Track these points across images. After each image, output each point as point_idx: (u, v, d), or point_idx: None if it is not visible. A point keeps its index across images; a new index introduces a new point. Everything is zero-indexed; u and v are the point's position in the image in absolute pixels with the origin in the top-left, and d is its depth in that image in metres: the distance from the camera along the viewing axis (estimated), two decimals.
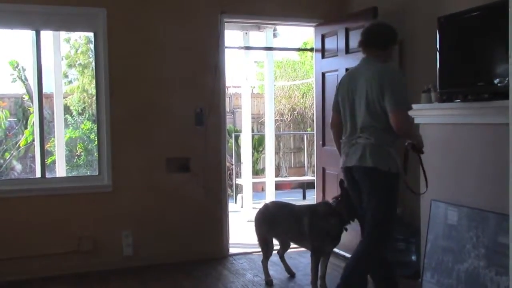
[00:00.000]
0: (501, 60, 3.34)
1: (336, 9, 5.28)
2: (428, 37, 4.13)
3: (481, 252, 3.51)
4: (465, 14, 3.65)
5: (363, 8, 4.67)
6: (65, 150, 6.86)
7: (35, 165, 6.08)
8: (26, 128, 8.08)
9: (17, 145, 8.01)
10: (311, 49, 5.61)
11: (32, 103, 6.24)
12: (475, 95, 3.59)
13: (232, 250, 5.11)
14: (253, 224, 4.35)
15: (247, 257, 5.04)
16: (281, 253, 4.47)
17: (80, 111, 8.59)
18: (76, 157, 8.29)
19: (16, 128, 8.32)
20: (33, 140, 6.35)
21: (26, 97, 8.35)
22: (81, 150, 8.28)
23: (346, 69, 4.74)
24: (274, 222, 4.18)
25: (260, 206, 4.53)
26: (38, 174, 4.65)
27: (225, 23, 4.99)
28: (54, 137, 6.39)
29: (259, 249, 5.03)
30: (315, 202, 4.36)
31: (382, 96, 3.20)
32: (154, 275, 4.50)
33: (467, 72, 3.72)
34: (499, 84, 3.38)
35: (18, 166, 7.98)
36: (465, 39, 3.75)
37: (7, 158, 7.92)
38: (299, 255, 4.88)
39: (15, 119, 8.38)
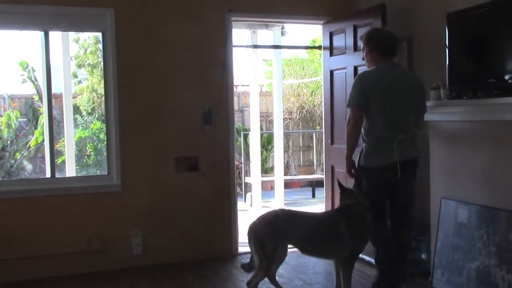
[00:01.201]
0: None
1: (344, 7, 5.25)
2: (437, 33, 4.09)
3: (492, 250, 3.48)
4: (475, 10, 3.61)
5: (372, 5, 4.64)
6: (75, 150, 6.90)
7: (45, 165, 6.12)
8: (36, 128, 8.13)
9: (28, 145, 8.06)
10: (319, 47, 5.59)
11: (42, 104, 6.28)
12: (485, 92, 3.55)
13: (241, 249, 5.10)
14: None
15: None
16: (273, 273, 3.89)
17: (89, 111, 8.63)
18: (86, 157, 8.33)
19: (27, 128, 8.37)
20: (43, 141, 6.39)
21: (36, 98, 8.40)
22: (91, 150, 8.31)
23: (355, 67, 4.74)
24: (292, 232, 3.63)
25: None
26: (48, 174, 4.68)
27: (233, 22, 4.98)
28: (64, 137, 6.42)
29: None
30: (340, 204, 3.78)
31: None
32: (164, 274, 4.51)
33: (477, 68, 3.69)
34: (510, 81, 3.35)
35: (28, 166, 8.03)
36: (475, 35, 3.71)
37: (18, 158, 7.97)
38: None
39: (26, 120, 8.43)
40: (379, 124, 3.61)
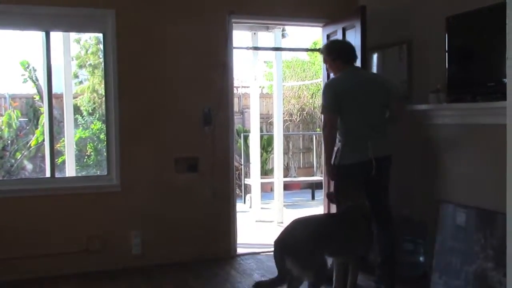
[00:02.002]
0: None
1: (343, 9, 5.25)
2: (436, 37, 4.11)
3: (490, 254, 3.49)
4: (474, 14, 3.63)
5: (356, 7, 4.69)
6: (75, 150, 6.91)
7: (45, 165, 6.14)
8: (37, 128, 8.14)
9: (28, 145, 8.08)
10: (319, 49, 5.60)
11: (43, 103, 6.30)
12: (484, 95, 3.57)
13: (240, 250, 5.12)
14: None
15: (254, 257, 5.05)
16: None
17: (90, 111, 8.64)
18: (86, 157, 8.35)
19: (27, 128, 8.38)
20: (44, 140, 6.41)
21: (37, 97, 8.42)
22: (91, 150, 8.33)
23: None
24: (326, 238, 3.51)
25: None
26: (48, 174, 4.69)
27: (233, 24, 5.00)
28: (64, 137, 6.44)
29: (267, 250, 5.07)
30: (347, 205, 3.72)
31: None
32: (163, 274, 4.52)
33: (476, 72, 3.71)
34: None
35: (29, 166, 8.05)
36: (474, 39, 3.73)
37: (18, 158, 7.99)
38: None
39: (26, 119, 8.45)
40: (353, 124, 3.85)
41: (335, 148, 3.88)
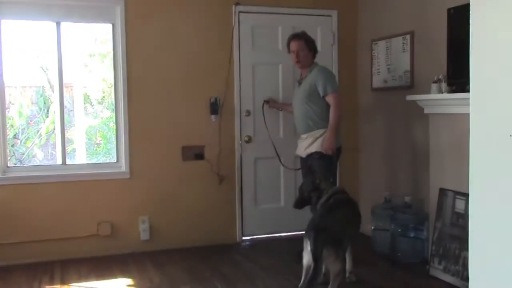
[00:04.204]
0: None
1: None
2: (438, 28, 4.18)
3: None
4: None
5: None
6: (85, 138, 7.04)
7: (56, 152, 6.26)
8: (47, 117, 8.27)
9: (39, 133, 8.21)
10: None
11: (53, 93, 6.42)
12: None
13: (245, 236, 5.23)
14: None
15: (259, 242, 5.17)
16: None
17: (99, 100, 8.75)
18: (95, 145, 8.48)
19: (38, 116, 8.52)
20: (54, 129, 6.53)
21: (47, 87, 8.54)
22: (101, 139, 8.45)
23: None
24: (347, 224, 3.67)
25: None
26: (59, 161, 4.83)
27: (239, 14, 5.08)
28: (74, 126, 6.56)
29: (271, 235, 5.19)
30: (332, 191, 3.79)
31: None
32: (170, 259, 4.65)
33: None
34: None
35: (40, 154, 8.19)
36: None
37: (29, 146, 8.13)
38: None
39: (37, 108, 8.58)
40: None
41: (326, 133, 4.24)
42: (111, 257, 4.68)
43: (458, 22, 3.84)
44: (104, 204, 4.78)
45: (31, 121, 8.50)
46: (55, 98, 5.01)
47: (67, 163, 4.83)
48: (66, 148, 4.94)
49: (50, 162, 7.01)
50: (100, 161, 5.10)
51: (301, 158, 4.51)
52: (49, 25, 4.77)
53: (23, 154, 8.22)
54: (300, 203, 3.88)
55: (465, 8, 3.77)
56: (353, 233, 3.78)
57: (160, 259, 4.65)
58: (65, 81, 4.82)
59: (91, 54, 8.39)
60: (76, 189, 4.71)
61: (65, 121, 4.86)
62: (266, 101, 5.03)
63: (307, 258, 3.32)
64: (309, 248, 3.25)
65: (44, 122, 8.20)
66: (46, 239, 4.60)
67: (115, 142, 4.99)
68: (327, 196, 3.70)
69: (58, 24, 4.68)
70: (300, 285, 3.39)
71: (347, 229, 3.59)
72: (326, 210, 3.58)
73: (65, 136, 4.87)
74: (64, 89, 4.84)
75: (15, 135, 8.13)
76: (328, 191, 3.73)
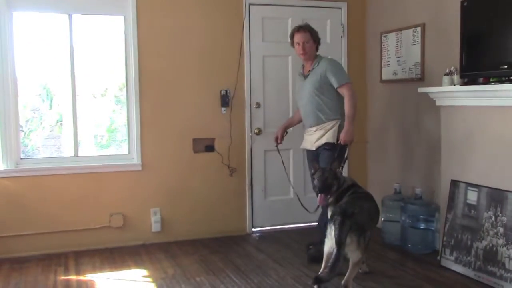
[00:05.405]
0: None
1: None
2: (450, 20, 4.20)
3: (500, 231, 3.63)
4: None
5: None
6: (93, 130, 7.03)
7: (60, 144, 6.26)
8: (51, 108, 8.25)
9: (42, 125, 8.20)
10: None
11: (59, 85, 6.42)
12: (497, 78, 3.67)
13: (255, 228, 5.27)
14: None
15: (269, 233, 5.21)
16: None
17: (104, 93, 8.73)
18: (101, 137, 8.47)
19: (42, 109, 8.50)
20: (59, 121, 6.53)
21: (53, 78, 8.51)
22: (111, 131, 8.44)
23: None
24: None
25: None
26: (70, 153, 4.85)
27: (250, 6, 5.08)
28: (85, 118, 6.55)
29: (281, 226, 5.24)
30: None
31: None
32: (182, 250, 4.69)
33: (489, 55, 3.80)
34: None
35: (44, 146, 8.18)
36: (487, 23, 3.81)
37: (34, 138, 8.12)
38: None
39: (41, 100, 8.56)
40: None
41: (337, 125, 4.18)
42: (123, 248, 4.72)
43: (472, 14, 3.86)
44: (116, 196, 4.80)
45: (35, 113, 8.50)
46: (66, 90, 5.03)
47: (79, 155, 4.84)
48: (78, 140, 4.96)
49: (54, 155, 7.03)
50: (113, 153, 5.09)
51: (308, 151, 4.43)
52: (60, 18, 4.76)
53: (27, 146, 8.23)
54: (326, 188, 3.67)
55: (479, 0, 3.81)
56: (374, 226, 3.82)
57: (172, 250, 4.69)
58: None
59: (101, 46, 8.35)
60: (88, 181, 4.73)
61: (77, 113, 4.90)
62: (276, 140, 4.60)
63: (329, 244, 3.29)
64: (333, 233, 3.22)
65: (48, 114, 8.20)
66: (60, 230, 4.63)
67: (126, 135, 4.99)
68: (346, 185, 3.71)
69: (70, 16, 4.68)
70: (320, 272, 3.30)
71: (370, 220, 3.62)
72: (353, 199, 3.59)
73: (77, 127, 4.89)
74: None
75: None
76: (346, 181, 3.77)
